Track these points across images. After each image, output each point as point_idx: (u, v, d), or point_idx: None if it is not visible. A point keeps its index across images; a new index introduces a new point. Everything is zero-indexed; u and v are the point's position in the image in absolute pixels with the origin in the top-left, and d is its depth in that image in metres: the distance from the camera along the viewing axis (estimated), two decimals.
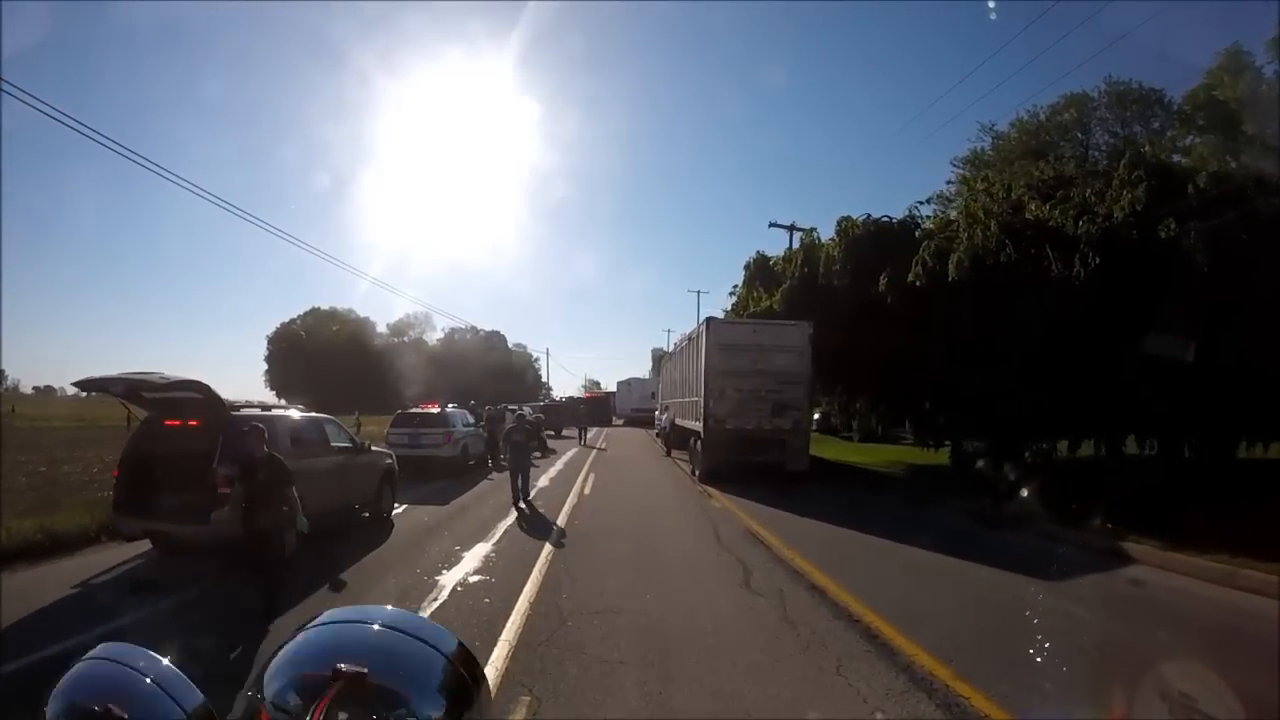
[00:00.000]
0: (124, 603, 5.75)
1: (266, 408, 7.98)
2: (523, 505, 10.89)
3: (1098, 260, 10.63)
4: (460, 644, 0.83)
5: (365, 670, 0.74)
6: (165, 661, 0.85)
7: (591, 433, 31.39)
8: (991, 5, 39.87)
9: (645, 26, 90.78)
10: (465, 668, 0.81)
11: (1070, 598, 6.07)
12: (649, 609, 5.44)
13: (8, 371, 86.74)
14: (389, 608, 0.85)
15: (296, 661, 0.81)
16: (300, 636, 0.83)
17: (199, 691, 0.83)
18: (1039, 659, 4.48)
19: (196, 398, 6.78)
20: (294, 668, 0.80)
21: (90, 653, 0.86)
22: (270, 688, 0.79)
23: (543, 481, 14.15)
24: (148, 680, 0.81)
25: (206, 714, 0.83)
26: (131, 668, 0.83)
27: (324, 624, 0.84)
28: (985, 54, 60.43)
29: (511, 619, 5.16)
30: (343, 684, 0.74)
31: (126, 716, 0.78)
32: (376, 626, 0.82)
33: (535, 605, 5.52)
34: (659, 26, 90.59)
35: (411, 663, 0.79)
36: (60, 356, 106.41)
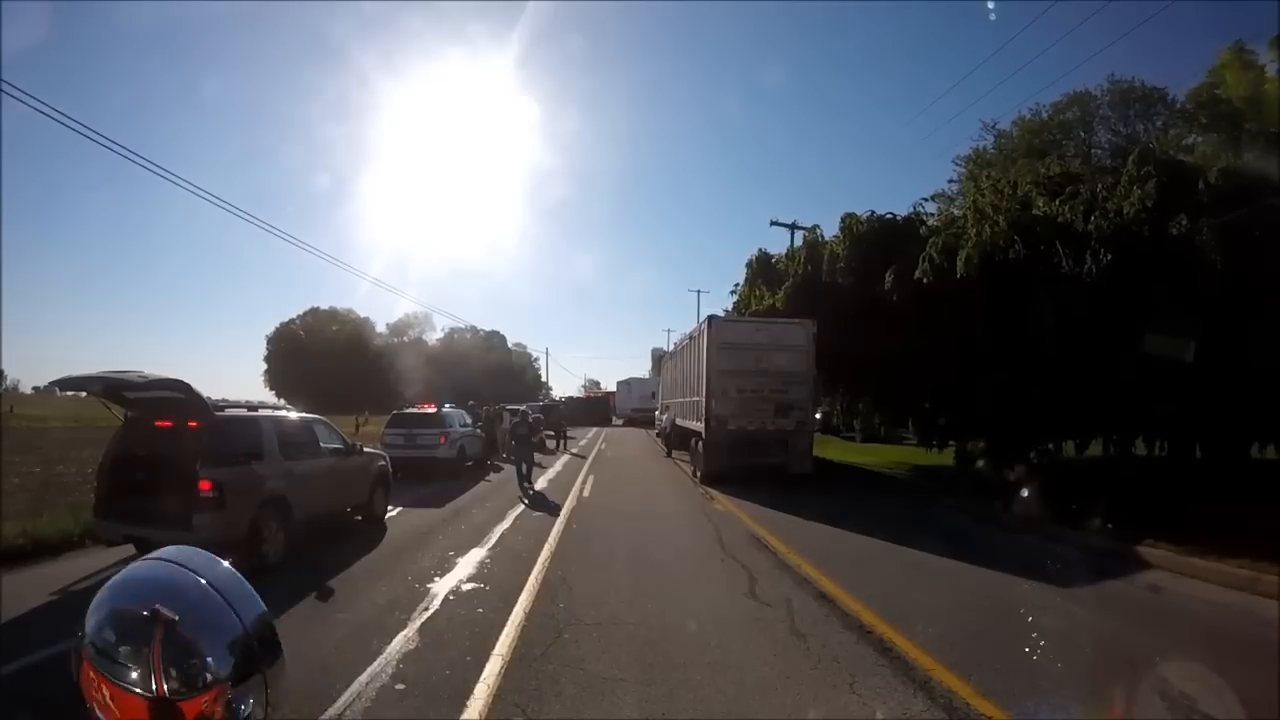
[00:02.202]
0: None
1: (253, 407, 7.72)
2: (529, 488, 12.55)
3: (1109, 257, 10.39)
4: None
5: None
6: (225, 564, 0.82)
7: (588, 435, 30.70)
8: (991, 5, 39.64)
9: (645, 26, 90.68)
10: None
11: (1088, 606, 5.83)
12: (650, 620, 5.18)
13: (7, 371, 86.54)
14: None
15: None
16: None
17: (261, 601, 0.81)
18: (1061, 673, 4.25)
19: (178, 397, 6.52)
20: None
21: (146, 555, 0.84)
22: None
23: (540, 484, 13.88)
24: (205, 584, 0.79)
25: (267, 625, 0.81)
26: (189, 569, 0.80)
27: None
28: (986, 53, 60.31)
29: (505, 630, 4.91)
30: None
31: (178, 619, 0.75)
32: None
33: (531, 616, 5.26)
34: (658, 26, 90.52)
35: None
36: (60, 356, 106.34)
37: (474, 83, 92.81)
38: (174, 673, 0.74)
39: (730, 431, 13.21)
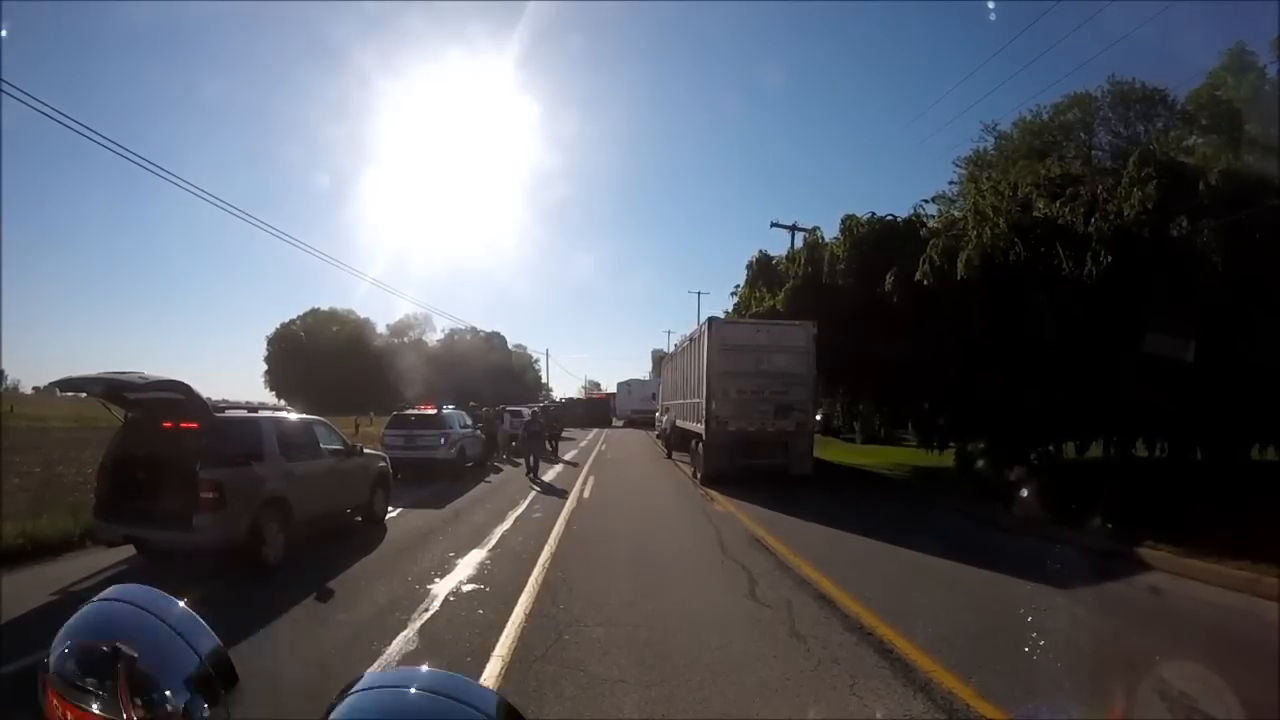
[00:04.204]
0: None
1: (253, 408, 7.73)
2: (536, 480, 14.01)
3: (1110, 259, 10.39)
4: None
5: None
6: (181, 604, 0.84)
7: (588, 437, 30.42)
8: (991, 6, 39.67)
9: (645, 26, 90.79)
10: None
11: (1089, 608, 5.82)
12: (650, 622, 5.18)
13: (8, 371, 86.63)
14: (425, 669, 0.79)
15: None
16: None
17: (215, 636, 0.83)
18: (1061, 674, 4.24)
19: (178, 399, 6.53)
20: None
21: (101, 594, 0.86)
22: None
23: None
24: (162, 622, 0.81)
25: (223, 658, 0.83)
26: (145, 609, 0.82)
27: (363, 689, 0.78)
28: (986, 54, 60.35)
29: (506, 632, 4.91)
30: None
31: (137, 656, 0.77)
32: (414, 691, 0.76)
33: (531, 617, 5.26)
34: (658, 26, 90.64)
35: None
36: (60, 356, 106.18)
37: (474, 83, 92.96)
38: (139, 702, 0.77)
39: (730, 433, 13.20)
